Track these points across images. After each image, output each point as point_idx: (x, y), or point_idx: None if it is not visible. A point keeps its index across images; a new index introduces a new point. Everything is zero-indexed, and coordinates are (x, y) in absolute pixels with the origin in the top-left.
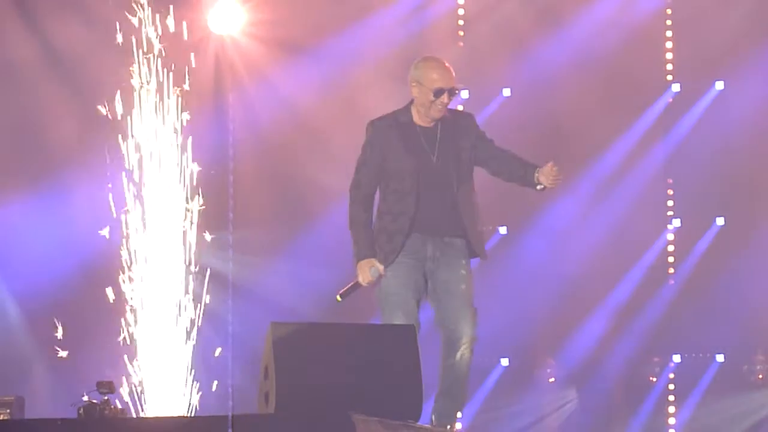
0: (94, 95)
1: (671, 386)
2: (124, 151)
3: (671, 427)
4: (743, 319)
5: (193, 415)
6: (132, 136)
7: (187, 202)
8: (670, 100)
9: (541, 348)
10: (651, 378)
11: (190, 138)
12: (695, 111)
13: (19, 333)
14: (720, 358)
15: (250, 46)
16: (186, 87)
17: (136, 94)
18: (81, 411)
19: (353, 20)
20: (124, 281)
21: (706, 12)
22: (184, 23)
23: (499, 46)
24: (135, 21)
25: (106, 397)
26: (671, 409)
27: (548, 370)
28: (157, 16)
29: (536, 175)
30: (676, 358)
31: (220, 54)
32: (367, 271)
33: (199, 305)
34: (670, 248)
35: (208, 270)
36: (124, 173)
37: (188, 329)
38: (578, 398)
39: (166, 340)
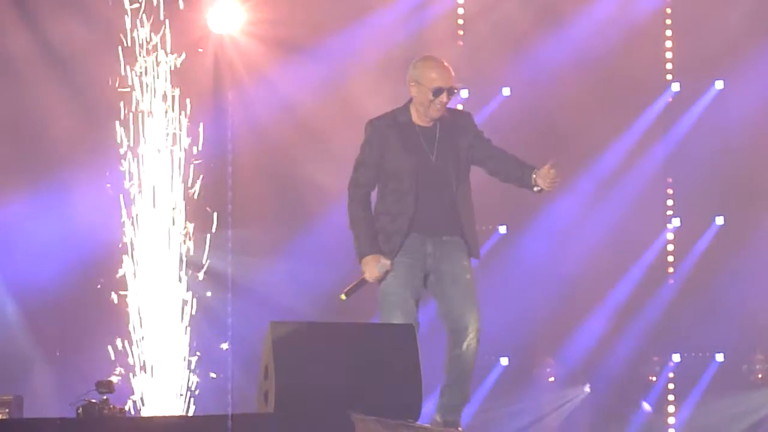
0: (93, 94)
1: (671, 386)
2: (123, 150)
3: (671, 426)
4: (743, 319)
5: (192, 414)
6: (131, 134)
7: (186, 202)
8: (670, 99)
9: (541, 347)
10: (651, 377)
11: (190, 137)
12: (695, 110)
13: (18, 332)
14: (719, 357)
15: (250, 46)
16: (185, 86)
17: (135, 93)
18: (80, 410)
19: (352, 19)
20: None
21: (705, 11)
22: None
23: (499, 45)
24: (135, 20)
25: (105, 397)
26: (671, 409)
27: (548, 370)
28: (158, 14)
29: (533, 177)
30: (676, 358)
31: (220, 53)
32: (374, 267)
33: (198, 304)
34: (670, 248)
35: (207, 269)
36: (123, 172)
37: (187, 328)
38: (588, 391)
39: (165, 339)
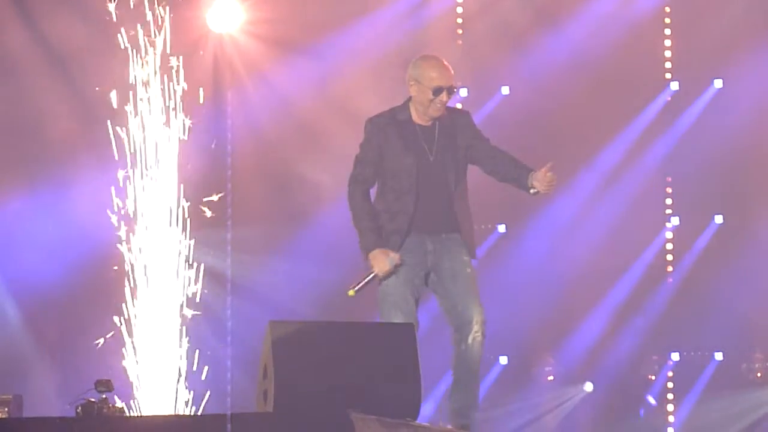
0: (92, 92)
1: (670, 384)
2: (121, 149)
3: (670, 425)
4: (742, 318)
5: (191, 413)
6: (129, 133)
7: (185, 200)
8: (669, 98)
9: (540, 346)
10: (650, 376)
11: (188, 136)
12: (694, 109)
13: (17, 331)
14: (719, 356)
15: (249, 45)
16: (184, 85)
17: (133, 92)
18: (79, 409)
19: (352, 18)
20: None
21: (704, 10)
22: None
23: (498, 44)
24: (133, 18)
25: (104, 396)
26: (670, 407)
27: (547, 369)
28: (157, 13)
29: (530, 179)
30: (675, 357)
31: (219, 52)
32: (384, 261)
33: (196, 303)
34: (669, 246)
35: (204, 267)
36: (121, 171)
37: (186, 327)
38: (590, 390)
39: (164, 338)
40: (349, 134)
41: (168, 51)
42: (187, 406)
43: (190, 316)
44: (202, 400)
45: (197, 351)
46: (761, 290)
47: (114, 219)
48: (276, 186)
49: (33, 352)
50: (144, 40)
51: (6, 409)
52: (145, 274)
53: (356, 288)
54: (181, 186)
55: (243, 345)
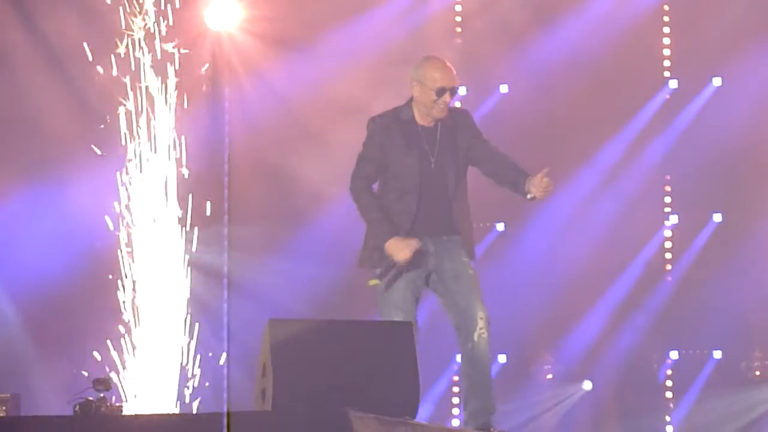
0: (90, 91)
1: (669, 383)
2: (119, 147)
3: (668, 423)
4: (741, 316)
5: (189, 412)
6: (127, 131)
7: (183, 198)
8: (668, 96)
9: (539, 344)
10: (649, 375)
11: (186, 134)
12: (693, 107)
13: (15, 329)
14: (717, 354)
15: (247, 43)
16: (182, 83)
17: (131, 89)
18: (77, 408)
19: (350, 17)
20: (120, 278)
21: (703, 8)
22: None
23: (497, 42)
24: (132, 16)
25: (102, 395)
26: (669, 406)
27: (546, 367)
28: (154, 11)
29: (527, 184)
30: (674, 355)
31: (217, 50)
32: (403, 248)
33: (195, 302)
34: (668, 244)
35: (204, 267)
36: (119, 169)
37: (184, 326)
38: (589, 389)
39: (162, 337)
40: (347, 132)
41: (166, 49)
42: (185, 405)
43: (188, 315)
44: (201, 399)
45: (195, 349)
46: (760, 288)
47: (112, 219)
48: (274, 185)
49: (31, 351)
50: (142, 37)
51: (4, 407)
52: (144, 273)
53: (381, 279)
54: (180, 184)
55: (241, 344)
